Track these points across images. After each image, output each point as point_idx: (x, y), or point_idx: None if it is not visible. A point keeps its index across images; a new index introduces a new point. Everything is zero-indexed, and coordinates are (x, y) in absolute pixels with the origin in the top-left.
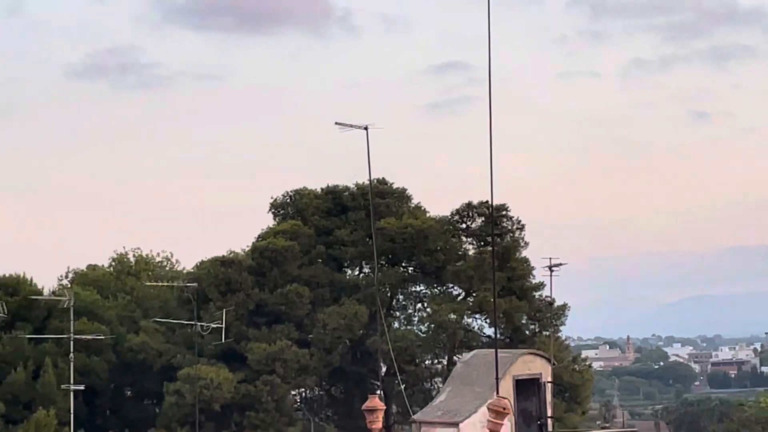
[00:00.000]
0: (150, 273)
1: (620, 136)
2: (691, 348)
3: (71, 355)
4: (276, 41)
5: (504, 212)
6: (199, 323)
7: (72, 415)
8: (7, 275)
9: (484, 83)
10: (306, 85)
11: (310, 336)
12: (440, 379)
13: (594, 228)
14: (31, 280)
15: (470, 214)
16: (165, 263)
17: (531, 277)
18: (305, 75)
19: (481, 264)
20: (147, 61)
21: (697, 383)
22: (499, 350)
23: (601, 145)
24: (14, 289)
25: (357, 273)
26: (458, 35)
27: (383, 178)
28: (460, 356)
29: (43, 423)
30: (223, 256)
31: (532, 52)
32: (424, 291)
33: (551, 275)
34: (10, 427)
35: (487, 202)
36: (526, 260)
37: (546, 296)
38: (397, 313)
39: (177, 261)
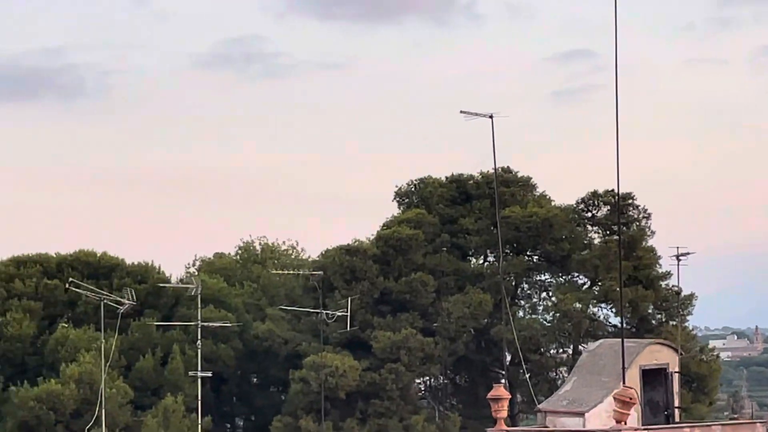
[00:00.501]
0: (276, 261)
1: (748, 123)
2: None
3: (199, 342)
4: (400, 30)
5: (630, 201)
6: (324, 311)
7: (199, 402)
8: (135, 263)
9: (609, 71)
10: (430, 73)
11: (435, 324)
12: (565, 368)
13: (722, 216)
14: (159, 268)
15: (596, 202)
16: (290, 251)
17: (657, 266)
18: (429, 63)
19: (606, 253)
20: (272, 50)
21: None
22: (625, 340)
23: (729, 132)
24: (143, 277)
25: (481, 262)
26: (584, 23)
27: (508, 166)
28: (585, 346)
29: (171, 409)
30: (348, 245)
31: (658, 39)
32: (548, 280)
33: (678, 264)
34: (139, 413)
35: (612, 190)
36: (652, 249)
37: (673, 285)
38: (522, 302)
39: (302, 249)
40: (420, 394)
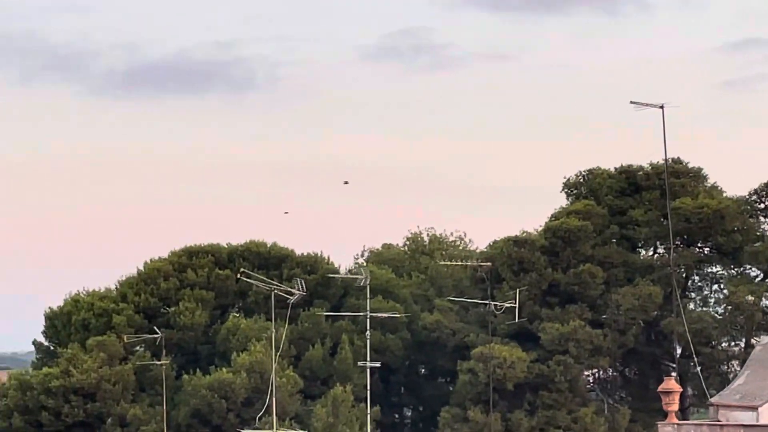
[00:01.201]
0: (443, 252)
1: None
2: None
3: (367, 332)
4: (569, 20)
5: None
6: (492, 302)
7: (368, 392)
8: (305, 254)
9: None
10: (599, 63)
11: (604, 317)
12: (737, 362)
13: None
14: (329, 258)
15: None
16: (458, 242)
17: None
18: (599, 53)
19: None
20: (440, 41)
21: None
22: None
23: None
24: (312, 267)
25: (651, 253)
26: (756, 11)
27: (678, 157)
28: (758, 339)
29: (340, 399)
30: (516, 236)
31: None
32: (720, 272)
33: None
34: (308, 402)
35: None
36: None
37: None
38: (693, 295)
39: (470, 240)
40: (589, 386)
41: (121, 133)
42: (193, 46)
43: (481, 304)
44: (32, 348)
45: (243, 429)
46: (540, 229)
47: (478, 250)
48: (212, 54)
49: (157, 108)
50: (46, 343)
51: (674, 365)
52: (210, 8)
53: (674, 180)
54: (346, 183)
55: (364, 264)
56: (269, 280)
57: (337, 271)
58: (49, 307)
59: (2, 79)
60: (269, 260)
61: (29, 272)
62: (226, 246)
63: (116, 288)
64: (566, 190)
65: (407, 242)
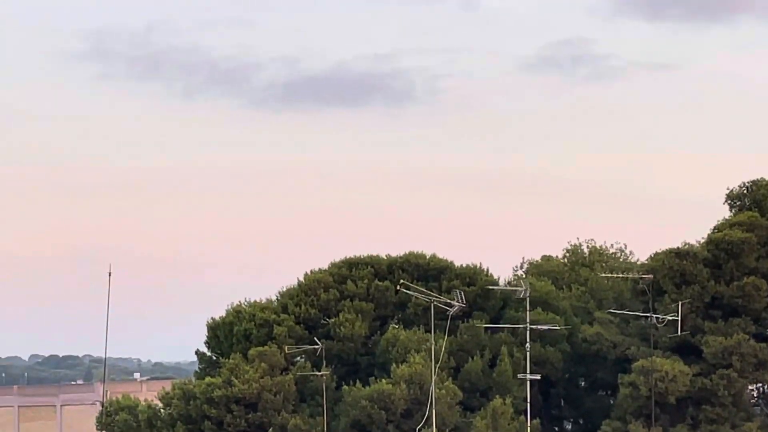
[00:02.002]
0: (604, 264)
1: None
2: None
3: (527, 344)
4: (732, 29)
5: None
6: (654, 315)
7: (528, 405)
8: (464, 265)
9: None
10: (763, 73)
11: None
12: None
13: None
14: (488, 270)
15: None
16: (619, 254)
17: None
18: (762, 63)
19: None
20: (600, 52)
21: None
22: None
23: None
24: (471, 279)
25: None
26: None
27: None
28: None
29: (499, 411)
30: (678, 248)
31: None
32: None
33: None
34: (468, 414)
35: None
36: None
37: None
38: None
39: (630, 252)
40: (753, 400)
41: (282, 145)
42: (352, 58)
43: (642, 316)
44: (195, 358)
45: None
46: (702, 241)
47: (638, 262)
48: (371, 66)
49: (317, 120)
50: (208, 354)
51: None
52: (369, 21)
53: None
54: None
55: (524, 276)
56: (428, 292)
57: (496, 283)
58: (212, 318)
59: (166, 93)
60: (428, 272)
61: (192, 283)
62: (385, 257)
63: (277, 299)
64: (729, 201)
65: (567, 254)
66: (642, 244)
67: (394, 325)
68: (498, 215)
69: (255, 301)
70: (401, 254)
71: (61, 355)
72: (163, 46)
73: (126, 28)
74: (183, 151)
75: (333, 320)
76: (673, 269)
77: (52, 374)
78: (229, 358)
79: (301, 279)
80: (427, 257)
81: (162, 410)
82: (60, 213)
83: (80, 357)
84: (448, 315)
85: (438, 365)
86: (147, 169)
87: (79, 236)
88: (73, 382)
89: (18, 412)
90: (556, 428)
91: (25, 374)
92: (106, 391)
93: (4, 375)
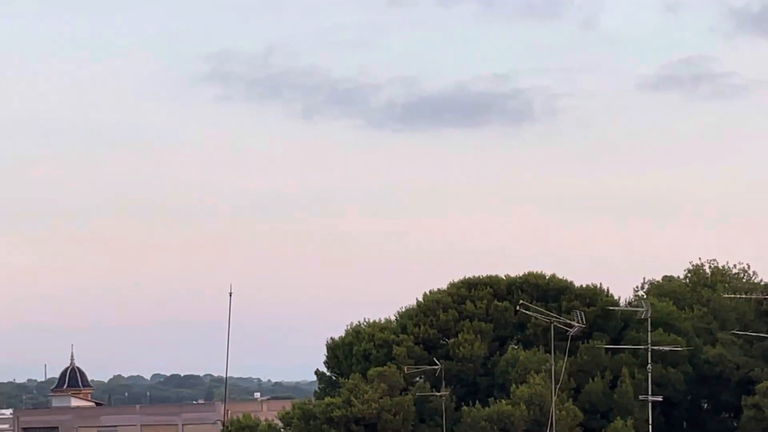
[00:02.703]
0: (726, 284)
1: None
2: None
3: (649, 366)
4: None
5: None
6: None
7: (650, 426)
8: (584, 285)
9: None
10: None
11: None
12: None
13: None
14: (608, 290)
15: None
16: (741, 275)
17: None
18: None
19: None
20: (721, 70)
21: None
22: None
23: None
24: (591, 299)
25: None
26: None
27: None
28: None
29: None
30: None
31: None
32: None
33: None
34: None
35: None
36: None
37: None
38: None
39: (754, 273)
40: None
41: (400, 166)
42: (470, 78)
43: (766, 337)
44: (315, 378)
45: None
46: None
47: (762, 283)
48: (489, 86)
49: (435, 140)
50: (328, 373)
51: None
52: (487, 41)
53: None
54: None
55: (645, 296)
56: (548, 312)
57: (616, 303)
58: (331, 338)
59: (286, 114)
60: (548, 292)
61: (310, 303)
62: (504, 277)
63: (396, 319)
64: None
65: (689, 274)
66: (766, 265)
67: (513, 346)
68: (618, 235)
69: (374, 321)
70: (520, 274)
71: (182, 375)
72: (283, 68)
73: (246, 50)
74: (302, 173)
75: (452, 341)
76: None
77: (173, 393)
78: (348, 378)
79: (420, 299)
80: (547, 277)
81: (282, 430)
82: (181, 233)
83: (201, 376)
84: (568, 335)
85: (558, 386)
86: (266, 191)
87: (200, 257)
88: (194, 402)
89: (140, 431)
90: None
91: (148, 393)
92: (227, 410)
93: (127, 394)
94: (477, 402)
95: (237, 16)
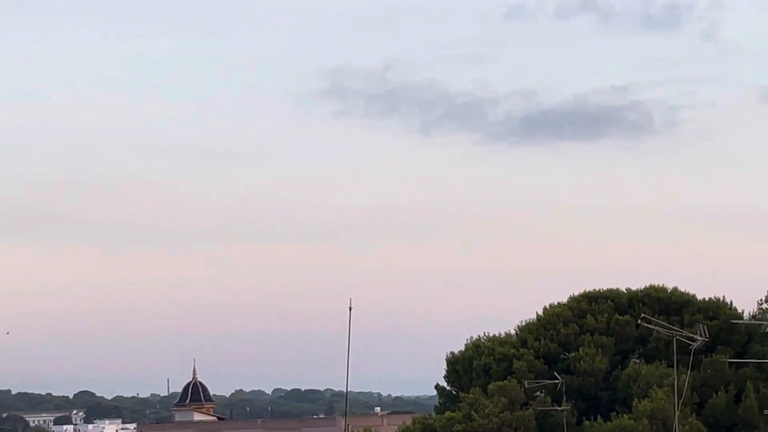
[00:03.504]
0: None
1: None
2: None
3: None
4: None
5: None
6: None
7: None
8: (706, 299)
9: None
10: None
11: None
12: None
13: None
14: (731, 303)
15: None
16: None
17: None
18: None
19: None
20: None
21: None
22: None
23: None
24: (714, 312)
25: None
26: None
27: None
28: None
29: None
30: None
31: None
32: None
33: None
34: None
35: None
36: None
37: None
38: None
39: None
40: None
41: (518, 179)
42: (589, 91)
43: None
44: (435, 392)
45: None
46: None
47: None
48: (608, 99)
49: (553, 154)
50: (448, 388)
51: None
52: (605, 54)
53: None
54: None
55: None
56: (670, 326)
57: (740, 317)
58: (451, 352)
59: (404, 129)
60: (669, 306)
61: (430, 317)
62: (625, 291)
63: (516, 333)
64: None
65: None
66: None
67: (635, 360)
68: (741, 248)
69: (494, 335)
70: (641, 288)
71: (303, 389)
72: (400, 83)
73: (364, 66)
74: (420, 188)
75: (573, 354)
76: None
77: (294, 408)
78: (468, 393)
79: (540, 313)
80: (669, 291)
81: None
82: (302, 248)
83: (322, 391)
84: (691, 349)
85: (681, 400)
86: (384, 206)
87: (320, 272)
88: (315, 416)
89: None
90: None
91: (269, 408)
92: (348, 425)
93: (248, 409)
94: (598, 417)
95: (355, 32)
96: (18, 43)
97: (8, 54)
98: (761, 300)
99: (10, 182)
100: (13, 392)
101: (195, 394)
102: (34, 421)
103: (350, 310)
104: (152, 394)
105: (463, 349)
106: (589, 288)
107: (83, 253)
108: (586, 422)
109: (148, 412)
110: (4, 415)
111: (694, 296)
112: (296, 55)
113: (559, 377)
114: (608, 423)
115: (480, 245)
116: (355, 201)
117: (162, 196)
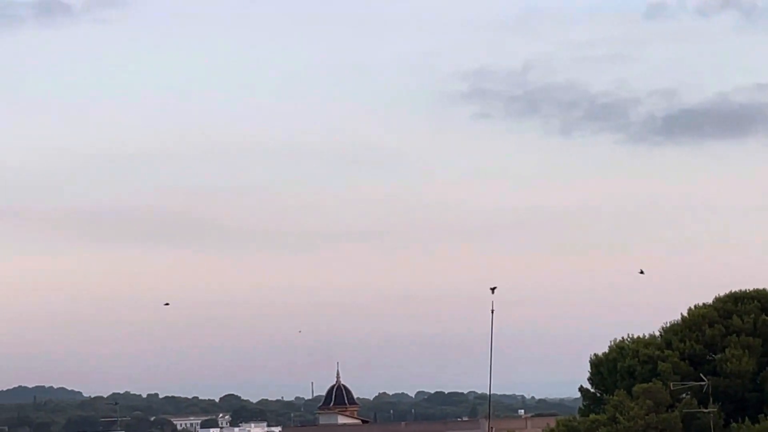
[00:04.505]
0: None
1: None
2: None
3: None
4: None
5: None
6: None
7: None
8: None
9: None
10: None
11: None
12: None
13: None
14: None
15: None
16: None
17: None
18: None
19: None
20: None
21: None
22: None
23: None
24: None
25: None
26: None
27: None
28: None
29: None
30: None
31: None
32: None
33: None
34: None
35: None
36: None
37: None
38: None
39: None
40: None
41: (661, 179)
42: (732, 89)
43: None
44: (579, 394)
45: None
46: None
47: None
48: (752, 97)
49: (697, 152)
50: (592, 390)
51: None
52: (749, 50)
53: None
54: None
55: None
56: None
57: None
58: (595, 354)
59: (544, 130)
60: None
61: (574, 319)
62: None
63: (660, 334)
64: None
65: None
66: None
67: None
68: None
69: (638, 337)
70: None
71: (446, 392)
72: (540, 84)
73: (503, 68)
74: (561, 189)
75: (719, 356)
76: None
77: (438, 411)
78: (613, 395)
79: (685, 314)
80: None
81: None
82: (443, 250)
83: (465, 393)
84: None
85: None
86: (525, 207)
87: (461, 274)
88: (458, 419)
89: None
90: None
91: (412, 411)
92: (491, 427)
93: (392, 412)
94: (746, 419)
95: (494, 34)
96: (179, 59)
97: (169, 68)
98: None
99: (169, 191)
100: (161, 396)
101: (339, 397)
102: (181, 425)
103: (492, 312)
104: (297, 398)
105: (606, 350)
106: (735, 288)
107: (241, 258)
108: (734, 424)
109: (292, 415)
110: (152, 418)
111: None
112: (436, 57)
113: (705, 379)
114: (756, 425)
115: (623, 246)
116: (496, 203)
117: (304, 200)
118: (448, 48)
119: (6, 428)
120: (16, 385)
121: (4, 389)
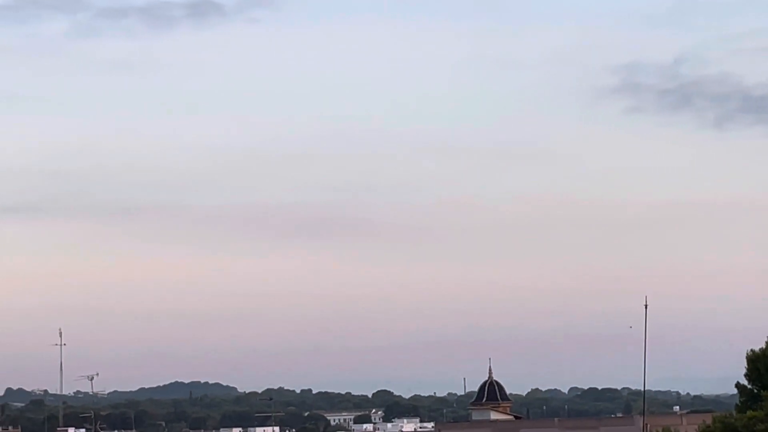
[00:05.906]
0: None
1: None
2: None
3: None
4: None
5: None
6: None
7: None
8: None
9: None
10: None
11: None
12: None
13: None
14: None
15: None
16: None
17: None
18: None
19: None
20: None
21: None
22: None
23: None
24: None
25: None
26: None
27: None
28: None
29: None
30: None
31: None
32: None
33: None
34: None
35: None
36: None
37: None
38: None
39: None
40: None
41: None
42: None
43: None
44: (735, 391)
45: None
46: None
47: None
48: None
49: None
50: (749, 386)
51: None
52: None
53: None
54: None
55: None
56: None
57: None
58: (751, 350)
59: (697, 123)
60: None
61: (729, 313)
62: None
63: None
64: None
65: None
66: None
67: None
68: None
69: None
70: None
71: (599, 388)
72: (693, 77)
73: (655, 61)
74: (715, 182)
75: None
76: None
77: (591, 407)
78: None
79: None
80: None
81: None
82: (593, 246)
83: (619, 390)
84: None
85: None
86: (679, 202)
87: (613, 269)
88: (612, 415)
89: None
90: None
91: (565, 407)
92: (646, 424)
93: (545, 408)
94: None
95: (645, 27)
96: (331, 55)
97: (306, 70)
98: None
99: (310, 188)
100: (314, 391)
101: (491, 393)
102: (334, 420)
103: (646, 308)
104: (449, 393)
105: (764, 346)
106: None
107: (379, 256)
108: None
109: (445, 411)
110: (306, 413)
111: None
112: (587, 51)
113: None
114: None
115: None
116: (649, 197)
117: (449, 196)
118: (599, 42)
119: (163, 423)
120: (173, 381)
121: (161, 385)
